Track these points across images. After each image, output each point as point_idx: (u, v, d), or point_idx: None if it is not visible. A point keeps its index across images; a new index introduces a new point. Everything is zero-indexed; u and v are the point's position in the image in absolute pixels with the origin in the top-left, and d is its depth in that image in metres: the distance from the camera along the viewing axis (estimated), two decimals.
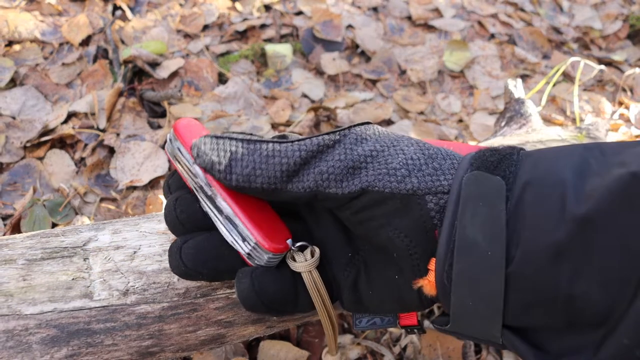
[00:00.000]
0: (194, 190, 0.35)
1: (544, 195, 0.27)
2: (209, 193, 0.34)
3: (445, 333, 0.32)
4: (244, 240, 0.33)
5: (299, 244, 0.35)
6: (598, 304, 0.25)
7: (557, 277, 0.26)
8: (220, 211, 0.34)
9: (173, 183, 0.37)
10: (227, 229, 0.34)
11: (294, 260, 0.34)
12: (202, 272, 0.33)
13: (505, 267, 0.27)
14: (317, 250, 0.35)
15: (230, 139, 0.33)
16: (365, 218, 0.32)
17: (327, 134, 0.33)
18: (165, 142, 0.36)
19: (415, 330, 0.37)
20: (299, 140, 0.32)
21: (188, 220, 0.35)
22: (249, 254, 0.33)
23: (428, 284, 0.30)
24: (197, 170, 0.34)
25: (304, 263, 0.34)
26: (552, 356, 0.28)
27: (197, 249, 0.33)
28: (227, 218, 0.34)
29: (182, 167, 0.35)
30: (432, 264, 0.30)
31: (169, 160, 0.37)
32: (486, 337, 0.30)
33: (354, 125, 0.34)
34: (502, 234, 0.27)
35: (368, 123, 0.35)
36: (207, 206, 0.34)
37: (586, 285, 0.25)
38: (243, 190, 0.33)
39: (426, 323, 0.62)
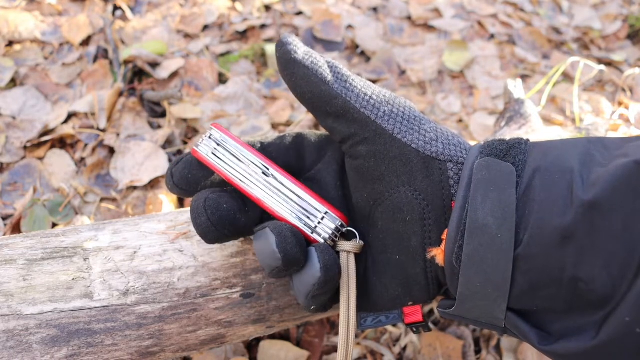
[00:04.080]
0: (239, 182, 0.35)
1: (552, 182, 0.28)
2: (268, 174, 0.35)
3: (447, 317, 0.33)
4: (309, 215, 0.34)
5: (346, 228, 0.36)
6: (601, 285, 0.26)
7: (562, 260, 0.27)
8: (279, 192, 0.35)
9: (177, 172, 0.36)
10: (289, 208, 0.35)
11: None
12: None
13: (513, 249, 0.28)
14: (361, 242, 0.36)
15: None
16: (387, 171, 0.33)
17: None
18: (199, 143, 0.36)
19: (420, 328, 0.37)
20: None
21: (220, 221, 0.33)
22: (315, 226, 0.34)
23: (441, 254, 0.31)
24: (253, 157, 0.35)
25: (350, 243, 0.35)
26: (554, 337, 0.29)
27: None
28: (289, 196, 0.35)
29: (228, 160, 0.35)
30: (445, 234, 0.31)
31: (200, 161, 0.36)
32: (489, 319, 0.30)
33: None
34: (512, 217, 0.28)
35: None
36: (262, 191, 0.35)
37: (590, 267, 0.26)
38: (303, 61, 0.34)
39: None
